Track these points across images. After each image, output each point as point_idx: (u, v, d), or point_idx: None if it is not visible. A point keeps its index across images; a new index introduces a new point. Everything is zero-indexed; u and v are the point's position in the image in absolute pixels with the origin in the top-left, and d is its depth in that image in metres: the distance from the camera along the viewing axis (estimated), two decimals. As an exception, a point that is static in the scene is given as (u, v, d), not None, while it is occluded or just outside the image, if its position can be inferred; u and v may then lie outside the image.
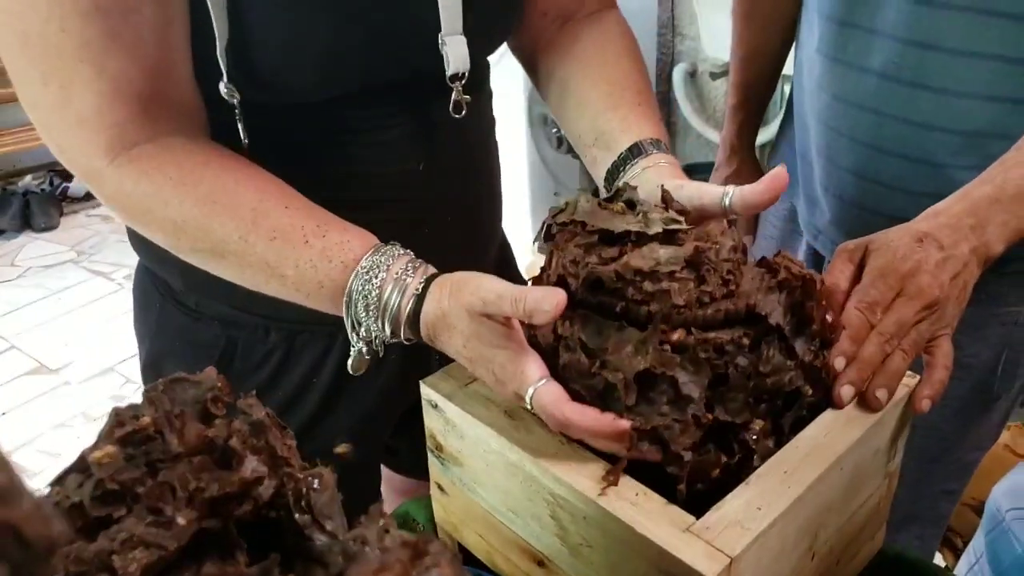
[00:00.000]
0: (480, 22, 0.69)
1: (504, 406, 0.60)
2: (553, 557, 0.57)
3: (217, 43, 0.61)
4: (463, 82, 0.70)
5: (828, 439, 0.56)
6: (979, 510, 1.28)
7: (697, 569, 0.46)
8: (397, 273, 0.60)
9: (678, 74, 2.49)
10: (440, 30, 0.67)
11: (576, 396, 0.54)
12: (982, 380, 0.96)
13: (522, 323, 0.56)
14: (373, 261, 0.60)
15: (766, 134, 1.73)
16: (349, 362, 0.64)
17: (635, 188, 0.60)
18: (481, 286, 0.55)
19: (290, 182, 0.64)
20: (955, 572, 0.87)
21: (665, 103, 2.63)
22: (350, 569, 0.30)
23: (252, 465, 0.39)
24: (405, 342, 0.61)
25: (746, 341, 0.54)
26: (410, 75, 0.69)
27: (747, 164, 1.18)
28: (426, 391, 0.63)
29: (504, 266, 0.92)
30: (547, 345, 0.56)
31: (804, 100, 1.00)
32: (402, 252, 0.61)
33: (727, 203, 0.62)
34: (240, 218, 0.61)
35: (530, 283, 0.62)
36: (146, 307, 0.82)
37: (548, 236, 0.60)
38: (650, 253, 0.54)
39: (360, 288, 0.60)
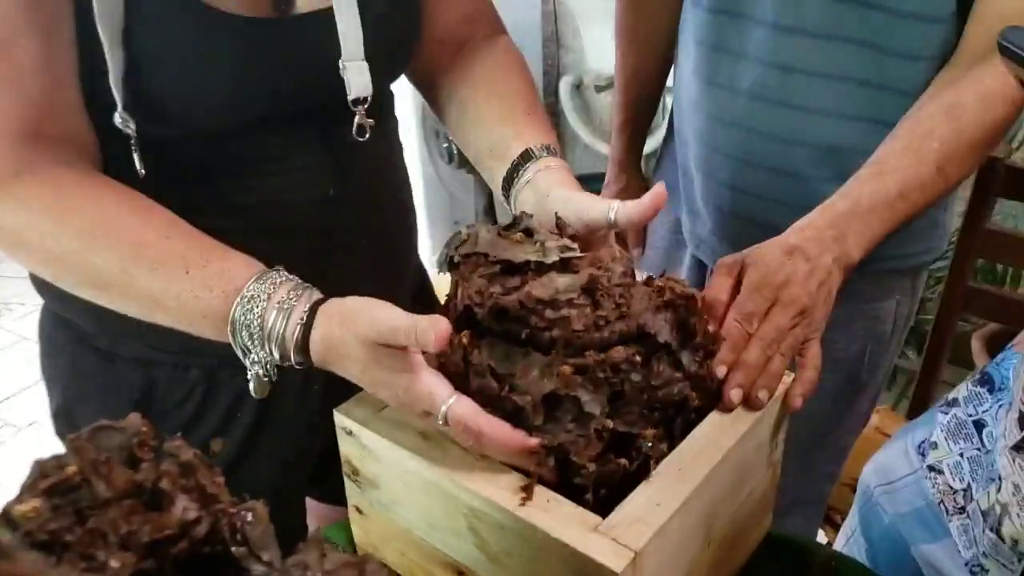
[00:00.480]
0: (380, 48, 0.71)
1: (418, 428, 0.63)
2: (474, 567, 0.61)
3: (110, 73, 0.61)
4: (366, 106, 0.72)
5: (716, 438, 0.62)
6: (855, 488, 1.40)
7: (606, 565, 0.51)
8: (280, 300, 0.60)
9: (564, 86, 2.57)
10: (341, 56, 0.69)
11: None
12: (852, 371, 1.06)
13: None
14: (255, 289, 0.61)
15: (651, 143, 1.82)
16: (251, 386, 0.64)
17: (531, 216, 0.65)
18: (375, 318, 0.57)
19: (195, 213, 0.64)
20: (834, 546, 0.96)
21: (553, 115, 2.71)
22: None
23: (183, 504, 0.41)
24: (297, 367, 0.62)
25: (638, 359, 0.59)
26: (313, 102, 0.71)
27: (635, 180, 1.26)
28: (340, 419, 0.65)
29: (421, 292, 0.95)
30: (457, 372, 0.60)
31: (683, 119, 1.08)
32: (287, 278, 0.62)
33: (612, 217, 0.67)
34: (120, 251, 0.61)
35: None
36: (54, 353, 0.80)
37: (452, 266, 0.63)
38: (549, 282, 0.59)
39: (242, 317, 0.60)
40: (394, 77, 0.80)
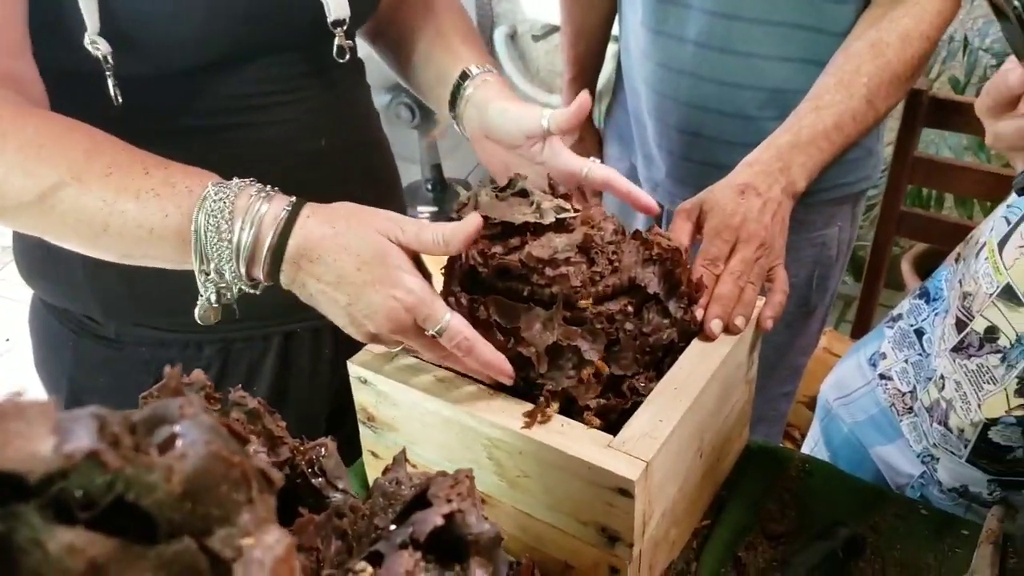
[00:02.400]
0: None
1: (431, 371, 0.68)
2: (494, 494, 0.67)
3: None
4: (344, 28, 0.73)
5: (702, 360, 0.69)
6: (810, 406, 1.51)
7: (622, 475, 0.58)
8: (259, 189, 0.58)
9: (499, 37, 2.59)
10: None
11: None
12: (802, 295, 1.16)
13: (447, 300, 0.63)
14: (223, 184, 0.58)
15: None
16: (196, 311, 0.61)
17: (525, 177, 0.70)
18: (392, 216, 0.59)
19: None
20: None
21: (489, 67, 2.73)
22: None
23: (254, 448, 0.45)
24: (247, 283, 0.59)
25: (631, 309, 0.66)
26: (290, 29, 0.72)
27: (589, 132, 1.32)
28: (355, 369, 0.70)
29: None
30: None
31: (633, 68, 1.14)
32: (252, 180, 0.59)
33: (545, 124, 0.72)
34: (71, 159, 0.56)
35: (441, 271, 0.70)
36: (54, 347, 0.80)
37: None
38: (548, 242, 0.64)
39: (212, 208, 0.56)
40: (364, 6, 0.80)
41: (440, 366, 0.67)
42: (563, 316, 0.64)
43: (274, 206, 0.57)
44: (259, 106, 0.73)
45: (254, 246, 0.57)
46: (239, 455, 0.22)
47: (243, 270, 0.58)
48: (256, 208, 0.57)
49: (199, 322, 0.61)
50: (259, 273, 0.59)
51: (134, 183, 0.57)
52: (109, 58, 0.61)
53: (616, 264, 0.66)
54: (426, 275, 0.87)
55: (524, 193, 0.68)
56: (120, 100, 0.62)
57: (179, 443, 0.22)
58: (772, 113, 1.02)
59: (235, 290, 0.60)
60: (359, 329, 0.60)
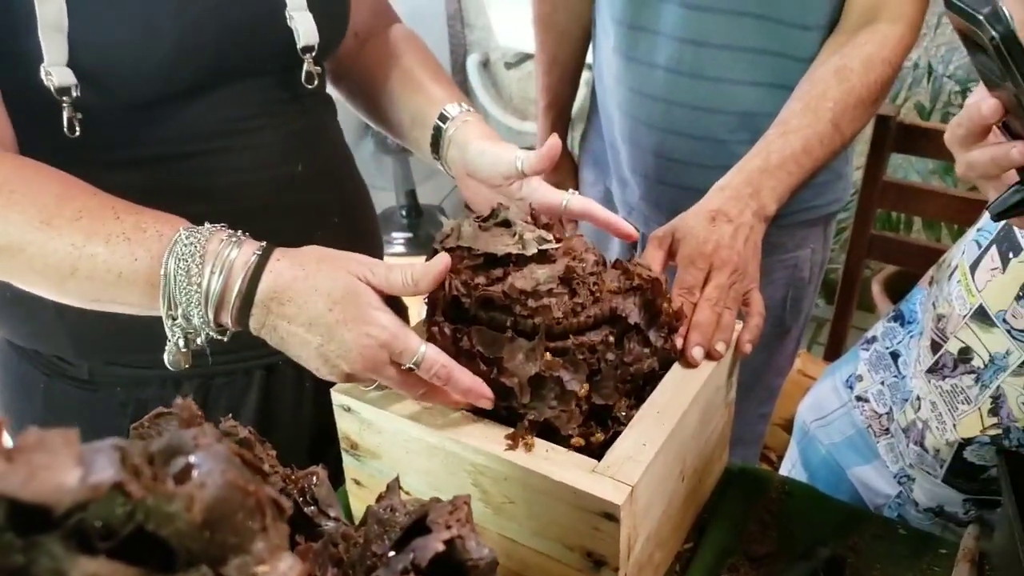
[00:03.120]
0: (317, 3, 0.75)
1: (413, 398, 0.68)
2: (479, 520, 0.67)
3: (39, 22, 0.58)
4: (312, 55, 0.75)
5: (684, 384, 0.70)
6: (786, 428, 1.53)
7: (607, 499, 0.59)
8: (229, 235, 0.59)
9: (471, 64, 2.62)
10: (286, 7, 0.72)
11: None
12: (776, 316, 1.19)
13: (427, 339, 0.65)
14: (194, 229, 0.59)
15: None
16: (165, 356, 0.61)
17: (508, 208, 0.71)
18: (361, 258, 0.61)
19: (157, 198, 0.63)
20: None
21: (463, 93, 2.76)
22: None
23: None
24: (215, 329, 0.59)
25: (612, 339, 0.67)
26: (258, 58, 0.73)
27: (564, 159, 1.34)
28: (338, 397, 0.70)
29: None
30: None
31: (606, 94, 1.17)
32: (223, 225, 0.60)
33: (519, 166, 0.75)
34: (41, 204, 0.57)
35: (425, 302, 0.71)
36: (23, 390, 0.79)
37: None
38: (530, 274, 0.66)
39: (182, 252, 0.57)
40: (335, 34, 0.81)
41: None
42: (545, 347, 0.65)
43: (244, 251, 0.58)
44: (234, 131, 0.73)
45: (223, 291, 0.58)
46: (253, 484, 0.23)
47: (211, 315, 0.59)
48: (226, 253, 0.58)
49: (170, 367, 0.62)
50: (227, 319, 0.59)
51: (104, 227, 0.57)
52: (74, 89, 0.61)
53: (597, 295, 0.68)
54: (402, 308, 0.88)
55: (507, 223, 0.70)
56: (78, 132, 0.63)
57: (195, 473, 0.22)
58: (743, 136, 1.05)
59: (203, 336, 0.61)
60: (333, 369, 0.61)
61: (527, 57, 2.49)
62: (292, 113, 0.78)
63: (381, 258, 0.94)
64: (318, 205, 0.81)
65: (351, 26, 0.86)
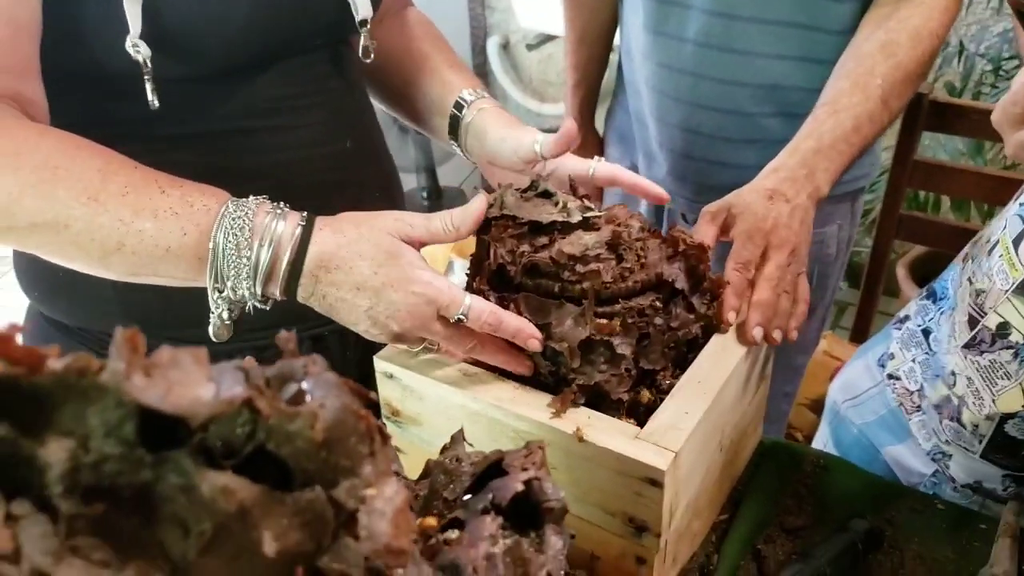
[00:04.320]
0: None
1: (458, 366, 0.69)
2: (520, 486, 0.69)
3: None
4: (367, 28, 0.76)
5: (724, 355, 0.71)
6: (812, 408, 1.54)
7: (652, 464, 0.60)
8: (272, 207, 0.61)
9: (492, 46, 2.62)
10: None
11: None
12: (802, 293, 1.19)
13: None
14: (240, 203, 0.60)
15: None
16: (210, 329, 0.63)
17: (547, 179, 0.72)
18: (397, 214, 0.63)
19: (218, 178, 0.64)
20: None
21: (482, 75, 2.76)
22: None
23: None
24: (260, 300, 0.61)
25: (659, 304, 0.68)
26: (319, 26, 0.74)
27: (591, 136, 1.35)
28: (381, 364, 0.72)
29: None
30: None
31: (634, 70, 1.17)
32: (265, 197, 0.62)
33: (538, 150, 0.76)
34: (87, 180, 0.58)
35: (467, 273, 0.72)
36: None
37: (483, 229, 0.70)
38: (577, 240, 0.67)
39: (231, 226, 0.58)
40: (376, 6, 0.81)
41: (467, 362, 0.69)
42: (594, 311, 0.66)
43: (289, 223, 0.60)
44: (288, 108, 0.75)
45: (272, 263, 0.59)
46: (363, 411, 0.24)
47: (259, 288, 0.60)
48: (272, 226, 0.59)
49: (213, 339, 0.63)
50: (274, 290, 0.61)
51: (151, 202, 0.58)
52: (148, 61, 0.62)
53: (643, 260, 0.68)
54: None
55: (547, 194, 0.70)
56: (157, 103, 0.64)
57: (308, 398, 0.23)
58: (769, 109, 1.06)
59: (248, 307, 0.62)
60: (384, 330, 0.63)
61: (548, 39, 2.49)
62: (340, 90, 0.79)
63: None
64: (362, 181, 0.82)
65: None
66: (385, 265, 0.60)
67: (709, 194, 1.09)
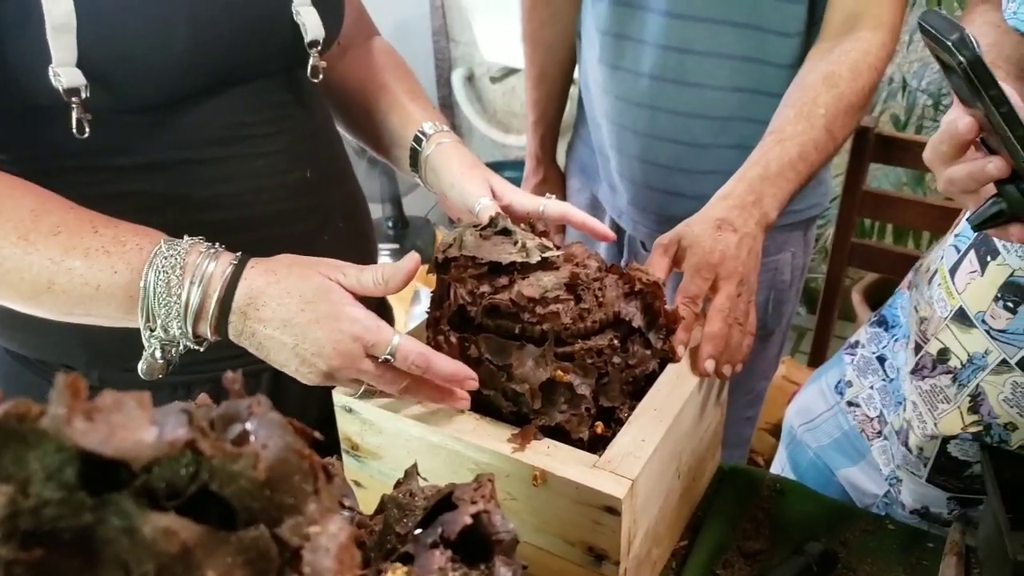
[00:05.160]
0: None
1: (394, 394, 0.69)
2: (481, 517, 0.69)
3: (47, 22, 0.58)
4: (318, 49, 0.76)
5: (679, 383, 0.72)
6: (773, 432, 1.56)
7: (609, 493, 0.60)
8: (206, 247, 0.61)
9: (457, 79, 2.65)
10: (292, 2, 0.73)
11: (488, 402, 0.68)
12: (759, 319, 1.21)
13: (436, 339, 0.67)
14: (173, 242, 0.60)
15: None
16: (140, 366, 0.62)
17: (507, 217, 0.72)
18: (332, 262, 0.63)
19: (173, 207, 0.64)
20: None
21: (447, 107, 2.79)
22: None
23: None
24: (192, 340, 0.61)
25: (617, 343, 0.69)
26: (269, 53, 0.74)
27: (552, 171, 1.37)
28: (339, 398, 0.72)
29: None
30: None
31: (593, 103, 1.20)
32: (200, 238, 0.62)
33: (477, 210, 0.77)
34: (17, 219, 0.58)
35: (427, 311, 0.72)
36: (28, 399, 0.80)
37: (440, 268, 0.70)
38: (536, 281, 0.67)
39: (162, 264, 0.58)
40: (333, 28, 0.81)
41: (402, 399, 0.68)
42: (554, 352, 0.67)
43: (221, 262, 0.60)
44: (243, 137, 0.74)
45: (202, 302, 0.59)
46: (307, 449, 0.24)
47: (190, 327, 0.60)
48: (204, 266, 0.60)
49: (143, 377, 0.63)
50: (205, 329, 0.61)
51: (83, 241, 0.59)
52: (83, 90, 0.62)
53: (601, 300, 0.69)
54: (386, 308, 0.89)
55: (506, 232, 0.71)
56: (87, 132, 0.63)
57: (252, 439, 0.23)
58: (725, 141, 1.08)
59: (180, 346, 0.62)
60: (312, 369, 0.62)
61: (511, 72, 2.52)
62: (300, 116, 0.79)
63: (375, 260, 0.95)
64: (325, 208, 0.82)
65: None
66: (312, 302, 0.60)
67: (669, 224, 1.11)
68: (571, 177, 1.35)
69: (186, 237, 0.61)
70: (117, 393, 0.21)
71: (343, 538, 0.23)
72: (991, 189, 0.59)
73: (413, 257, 0.65)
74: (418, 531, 0.36)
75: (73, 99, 0.61)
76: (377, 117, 0.88)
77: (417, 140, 0.84)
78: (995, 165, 0.57)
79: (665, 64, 1.06)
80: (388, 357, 0.62)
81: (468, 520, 0.34)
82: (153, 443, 0.21)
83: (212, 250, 0.61)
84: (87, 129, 0.63)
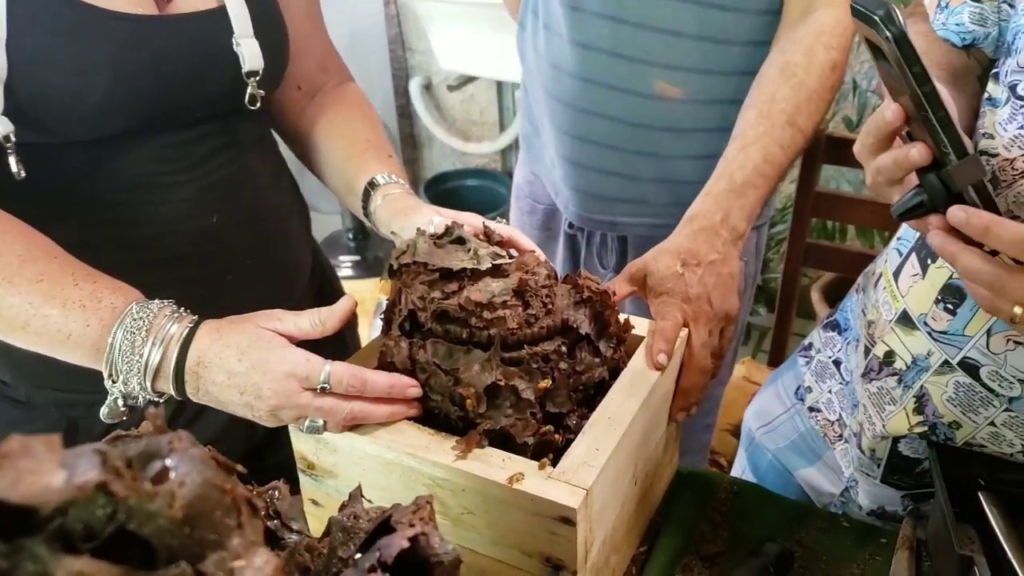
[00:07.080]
0: (264, 32, 0.78)
1: (342, 424, 0.69)
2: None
3: None
4: (256, 79, 0.78)
5: (632, 391, 0.73)
6: (734, 433, 1.57)
7: (564, 503, 0.61)
8: (172, 311, 0.65)
9: (414, 88, 2.64)
10: (233, 33, 0.75)
11: (435, 409, 0.69)
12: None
13: (382, 353, 0.68)
14: (144, 304, 0.65)
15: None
16: (102, 411, 0.66)
17: (462, 226, 0.73)
18: (270, 312, 0.67)
19: (85, 248, 0.67)
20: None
21: (406, 116, 2.78)
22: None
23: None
24: (155, 395, 0.65)
25: (564, 349, 0.69)
26: (204, 97, 0.76)
27: None
28: (294, 417, 0.71)
29: (323, 289, 1.01)
30: (404, 370, 0.69)
31: (530, 75, 1.18)
32: (170, 302, 0.67)
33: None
34: (5, 262, 0.62)
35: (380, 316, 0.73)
36: None
37: (393, 274, 0.71)
38: (485, 287, 0.68)
39: (130, 326, 0.63)
40: (278, 66, 0.83)
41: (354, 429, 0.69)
42: (500, 357, 0.67)
43: (180, 325, 0.64)
44: (155, 184, 0.76)
45: (160, 362, 0.63)
46: (229, 483, 0.24)
47: (149, 384, 0.64)
48: (167, 328, 0.64)
49: (105, 420, 0.65)
50: (167, 387, 0.65)
51: (63, 292, 0.63)
52: (11, 135, 0.65)
53: (550, 307, 0.70)
54: (343, 340, 0.90)
55: (460, 241, 0.71)
56: (23, 174, 0.67)
57: (172, 475, 0.23)
58: (659, 123, 1.05)
59: (141, 399, 0.65)
60: (258, 412, 0.65)
61: (469, 80, 2.52)
62: (221, 160, 0.80)
63: (304, 283, 0.96)
64: (232, 251, 0.84)
65: (293, 79, 0.89)
66: (248, 351, 0.63)
67: (602, 204, 1.10)
68: (520, 151, 1.34)
69: (157, 300, 0.65)
70: (25, 438, 0.21)
71: (269, 571, 0.23)
72: (914, 180, 0.61)
73: (349, 299, 0.69)
74: (358, 555, 0.36)
75: (8, 145, 0.65)
76: (336, 164, 0.89)
77: (366, 191, 0.85)
78: (918, 151, 0.58)
79: (599, 32, 1.02)
80: (324, 385, 0.64)
81: (405, 544, 0.34)
82: (61, 487, 0.21)
83: (176, 313, 0.64)
84: (22, 171, 0.66)
